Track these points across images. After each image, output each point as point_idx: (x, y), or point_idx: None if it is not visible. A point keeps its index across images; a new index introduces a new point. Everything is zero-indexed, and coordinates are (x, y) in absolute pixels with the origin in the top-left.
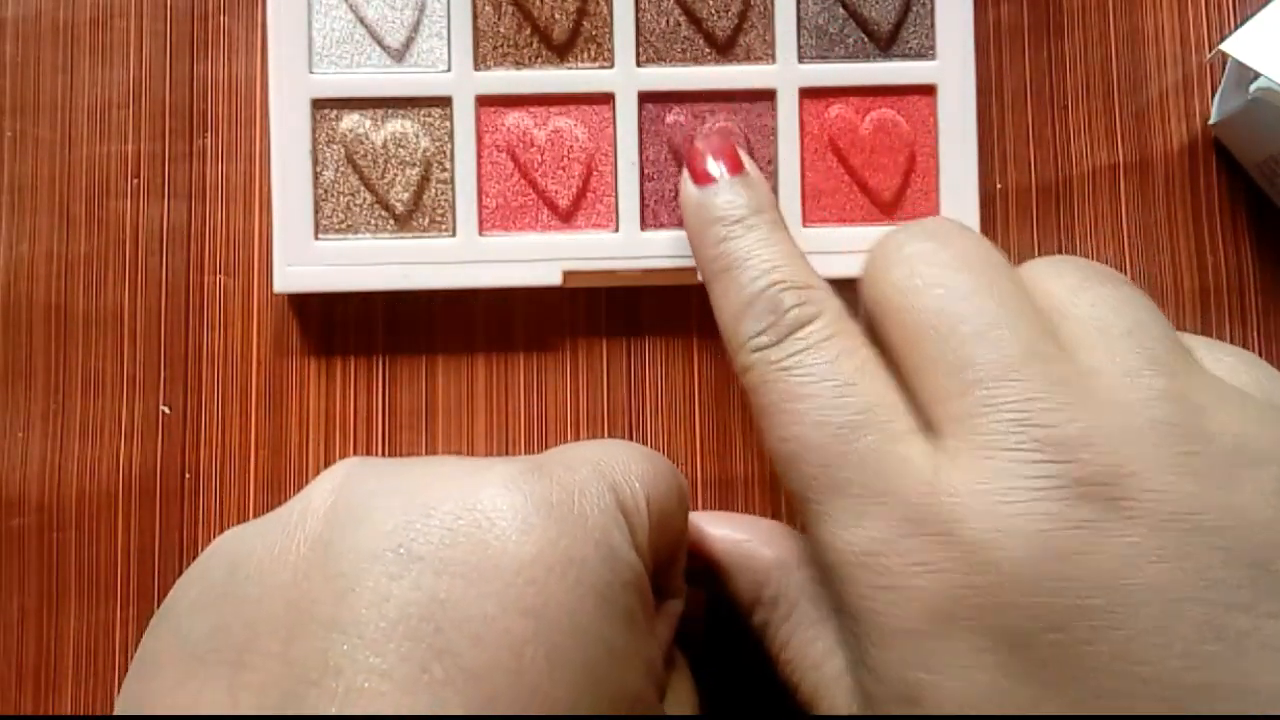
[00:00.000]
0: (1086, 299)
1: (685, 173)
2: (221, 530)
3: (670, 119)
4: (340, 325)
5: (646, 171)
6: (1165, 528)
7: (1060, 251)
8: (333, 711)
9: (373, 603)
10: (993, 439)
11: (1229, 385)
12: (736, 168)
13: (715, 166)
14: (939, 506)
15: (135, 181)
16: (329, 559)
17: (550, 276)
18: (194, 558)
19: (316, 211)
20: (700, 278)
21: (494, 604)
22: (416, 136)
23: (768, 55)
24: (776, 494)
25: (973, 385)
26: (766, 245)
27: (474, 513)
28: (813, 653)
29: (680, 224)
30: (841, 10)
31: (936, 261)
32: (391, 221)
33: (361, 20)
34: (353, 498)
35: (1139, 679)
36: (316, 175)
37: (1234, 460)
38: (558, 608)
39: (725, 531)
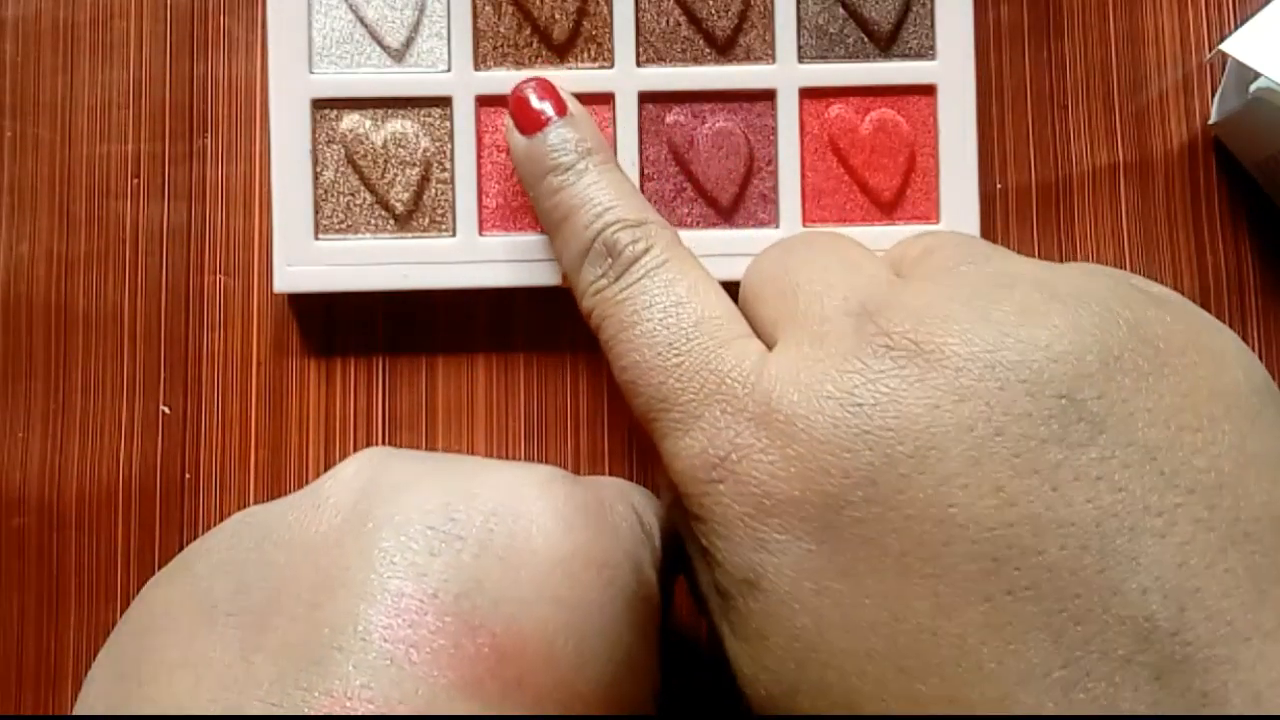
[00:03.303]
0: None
1: (509, 123)
2: None
3: (670, 119)
4: (340, 325)
5: (646, 171)
6: (966, 368)
7: (1060, 252)
8: (353, 676)
9: (410, 575)
10: (807, 325)
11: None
12: (562, 108)
13: (541, 105)
14: (760, 392)
15: (135, 181)
16: (365, 530)
17: (550, 276)
18: None
19: (316, 211)
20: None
21: (531, 590)
22: (416, 136)
23: (768, 55)
24: None
25: (796, 296)
26: (598, 187)
27: (516, 504)
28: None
29: (683, 225)
30: (841, 10)
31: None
32: (391, 221)
33: (361, 20)
34: (388, 476)
35: (955, 523)
36: (316, 175)
37: (1031, 300)
38: (589, 605)
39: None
